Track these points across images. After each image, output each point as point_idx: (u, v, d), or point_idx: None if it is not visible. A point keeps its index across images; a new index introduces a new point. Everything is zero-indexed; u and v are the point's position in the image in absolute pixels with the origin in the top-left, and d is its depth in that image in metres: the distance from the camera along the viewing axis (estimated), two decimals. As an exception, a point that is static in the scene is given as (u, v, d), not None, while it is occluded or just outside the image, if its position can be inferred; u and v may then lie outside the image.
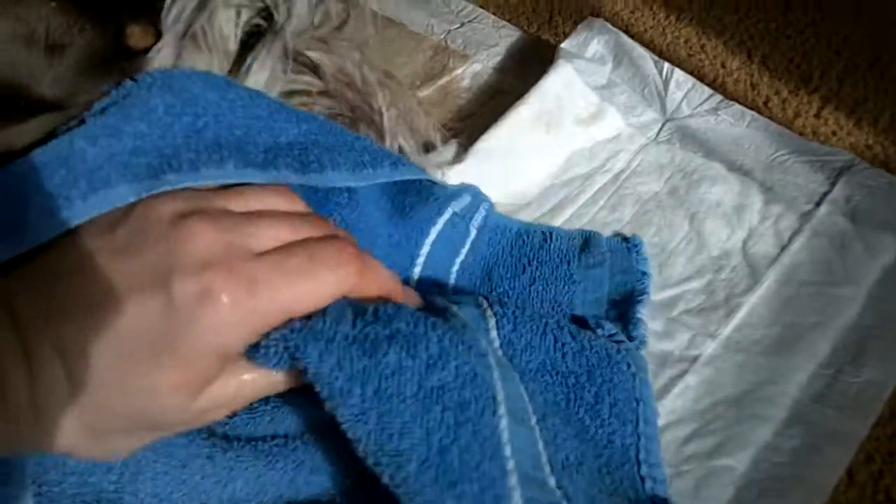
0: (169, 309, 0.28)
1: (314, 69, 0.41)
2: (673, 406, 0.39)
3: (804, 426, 0.37)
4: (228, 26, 0.38)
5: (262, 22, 0.39)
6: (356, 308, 0.31)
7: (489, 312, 0.38)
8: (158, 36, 0.37)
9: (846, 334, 0.40)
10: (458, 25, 0.61)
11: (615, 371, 0.36)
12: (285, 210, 0.34)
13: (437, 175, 0.46)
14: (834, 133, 0.51)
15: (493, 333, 0.37)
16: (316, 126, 0.38)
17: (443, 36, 0.60)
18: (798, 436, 0.37)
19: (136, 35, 0.35)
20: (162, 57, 0.37)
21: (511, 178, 0.50)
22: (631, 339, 0.40)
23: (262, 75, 0.39)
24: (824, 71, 0.54)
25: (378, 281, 0.34)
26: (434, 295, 0.38)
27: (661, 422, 0.38)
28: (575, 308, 0.42)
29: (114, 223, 0.30)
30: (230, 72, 0.39)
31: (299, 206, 0.35)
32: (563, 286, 0.43)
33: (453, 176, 0.48)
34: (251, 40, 0.39)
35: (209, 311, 0.28)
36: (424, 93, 0.57)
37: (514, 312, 0.38)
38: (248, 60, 0.39)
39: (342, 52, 0.42)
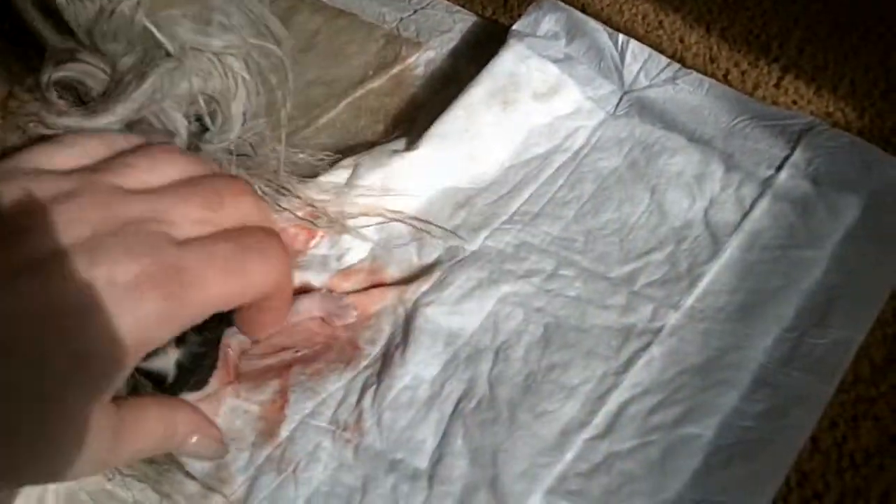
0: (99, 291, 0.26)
1: None
2: (638, 378, 0.38)
3: (770, 389, 0.36)
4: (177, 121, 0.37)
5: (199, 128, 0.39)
6: None
7: None
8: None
9: (810, 296, 0.39)
10: (410, 13, 0.60)
11: None
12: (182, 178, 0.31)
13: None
14: (795, 102, 0.50)
15: None
16: None
17: (395, 24, 0.59)
18: (764, 399, 0.36)
19: None
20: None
21: (469, 162, 0.48)
22: None
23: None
24: (783, 41, 0.53)
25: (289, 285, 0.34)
26: None
27: (626, 395, 0.38)
28: None
29: None
30: None
31: (195, 166, 0.33)
32: None
33: (406, 164, 0.47)
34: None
35: (143, 304, 0.26)
36: (377, 83, 0.56)
37: None
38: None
39: None
